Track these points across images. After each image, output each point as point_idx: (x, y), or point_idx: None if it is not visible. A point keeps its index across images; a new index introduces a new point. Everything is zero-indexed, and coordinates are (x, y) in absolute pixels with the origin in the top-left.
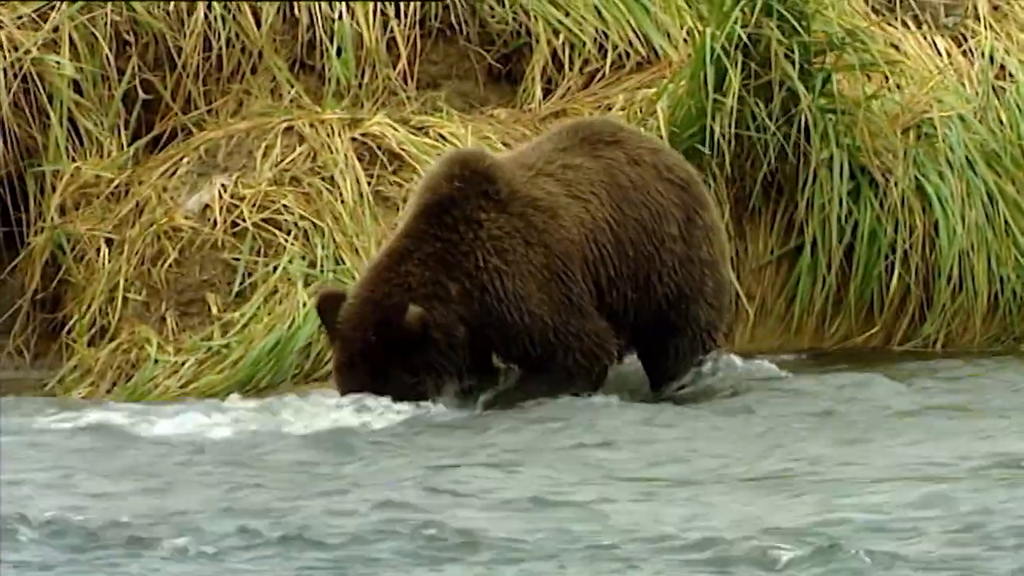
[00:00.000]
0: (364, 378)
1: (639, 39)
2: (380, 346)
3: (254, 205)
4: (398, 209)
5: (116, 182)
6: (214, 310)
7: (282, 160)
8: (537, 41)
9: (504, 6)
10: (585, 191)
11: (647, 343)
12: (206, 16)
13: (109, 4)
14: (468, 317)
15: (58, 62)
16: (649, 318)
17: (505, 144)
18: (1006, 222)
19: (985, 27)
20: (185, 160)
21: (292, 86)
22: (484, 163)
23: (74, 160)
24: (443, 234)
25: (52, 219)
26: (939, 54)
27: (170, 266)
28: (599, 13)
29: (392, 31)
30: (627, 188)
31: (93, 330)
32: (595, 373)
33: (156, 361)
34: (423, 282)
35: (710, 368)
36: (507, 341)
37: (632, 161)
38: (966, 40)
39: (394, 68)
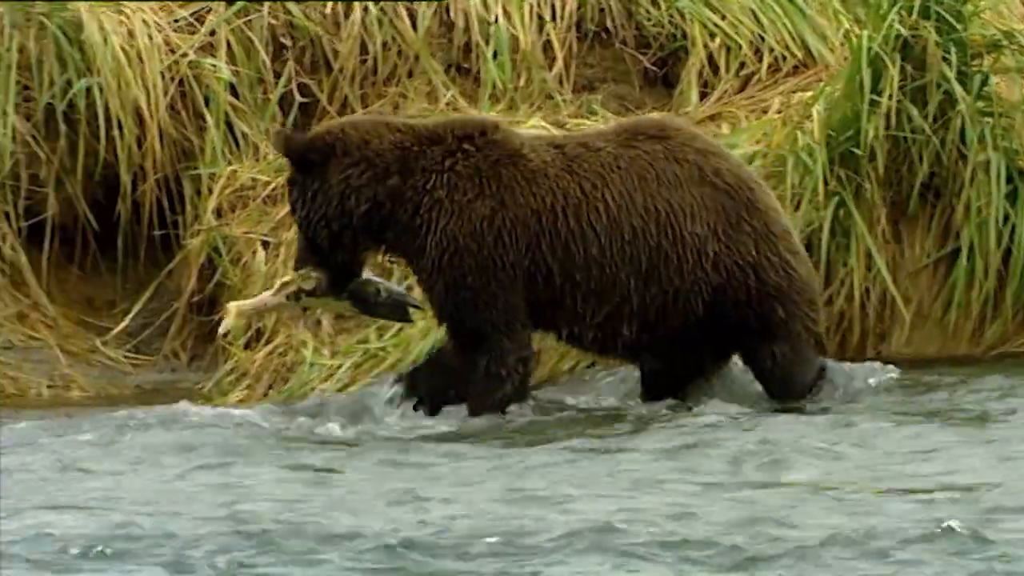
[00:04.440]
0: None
1: (795, 42)
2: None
3: None
4: None
5: (272, 185)
6: None
7: None
8: (693, 44)
9: (660, 9)
10: (589, 170)
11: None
12: (362, 19)
13: (266, 7)
14: (386, 216)
15: (215, 65)
16: (688, 319)
17: None
18: None
19: None
20: None
21: (448, 89)
22: (503, 125)
23: (230, 163)
24: (426, 146)
25: (208, 222)
26: None
27: None
28: (755, 16)
29: (548, 34)
30: (648, 179)
31: (249, 333)
32: (499, 361)
33: (312, 365)
34: (379, 153)
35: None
36: (413, 266)
37: (671, 158)
38: None
39: (550, 71)
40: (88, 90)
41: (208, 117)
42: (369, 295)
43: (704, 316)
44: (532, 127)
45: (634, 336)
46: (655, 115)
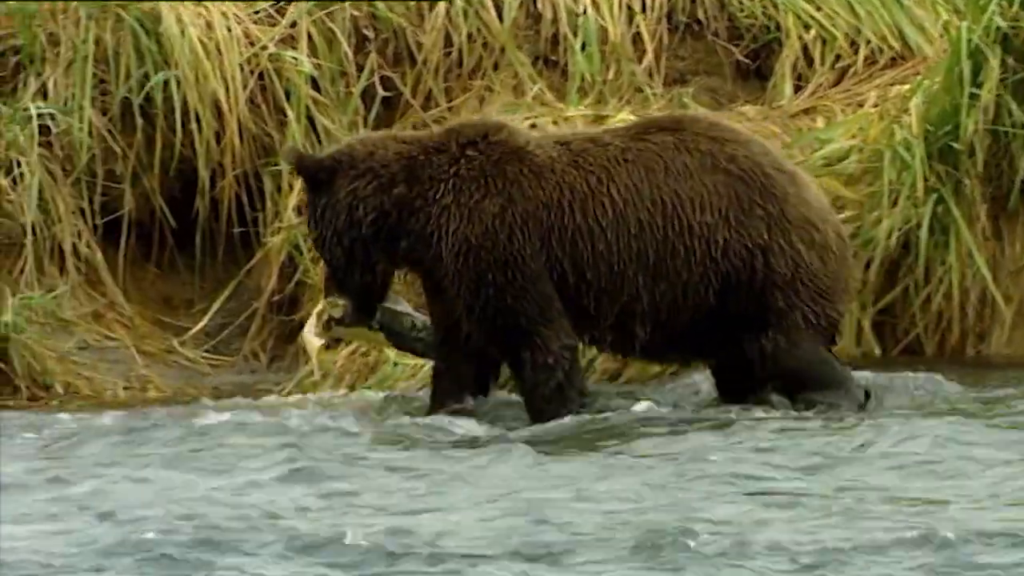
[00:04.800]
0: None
1: (893, 33)
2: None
3: None
4: None
5: None
6: None
7: None
8: (787, 36)
9: (753, 0)
10: (595, 163)
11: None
12: (447, 11)
13: None
14: (394, 226)
15: (296, 58)
16: (698, 312)
17: None
18: None
19: None
20: None
21: (535, 82)
22: (508, 125)
23: None
24: (431, 155)
25: (289, 219)
26: None
27: None
28: (851, 7)
29: (638, 25)
30: (656, 171)
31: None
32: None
33: (395, 364)
34: (384, 164)
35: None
36: (435, 277)
37: (682, 148)
38: None
39: (640, 63)
40: (166, 83)
41: (289, 111)
42: (404, 329)
43: (716, 306)
44: (621, 122)
45: (647, 335)
46: (684, 112)
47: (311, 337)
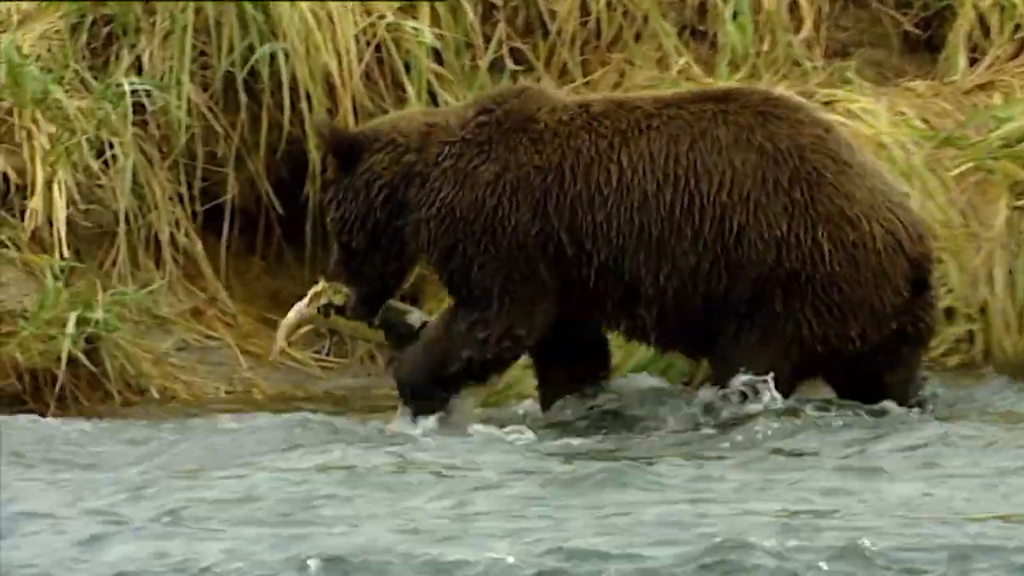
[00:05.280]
0: None
1: None
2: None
3: None
4: None
5: None
6: None
7: None
8: (961, 3)
9: None
10: (611, 128)
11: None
12: None
13: None
14: (399, 199)
15: (416, 28)
16: (709, 302)
17: (924, 120)
18: None
19: None
20: None
21: (681, 55)
22: (533, 89)
23: None
24: (450, 121)
25: None
26: None
27: None
28: None
29: None
30: (680, 141)
31: None
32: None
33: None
34: (405, 134)
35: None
36: (426, 242)
37: (718, 120)
38: None
39: (797, 34)
40: (272, 56)
41: (408, 87)
42: (410, 331)
43: (725, 298)
44: None
45: (655, 321)
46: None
47: (291, 316)
